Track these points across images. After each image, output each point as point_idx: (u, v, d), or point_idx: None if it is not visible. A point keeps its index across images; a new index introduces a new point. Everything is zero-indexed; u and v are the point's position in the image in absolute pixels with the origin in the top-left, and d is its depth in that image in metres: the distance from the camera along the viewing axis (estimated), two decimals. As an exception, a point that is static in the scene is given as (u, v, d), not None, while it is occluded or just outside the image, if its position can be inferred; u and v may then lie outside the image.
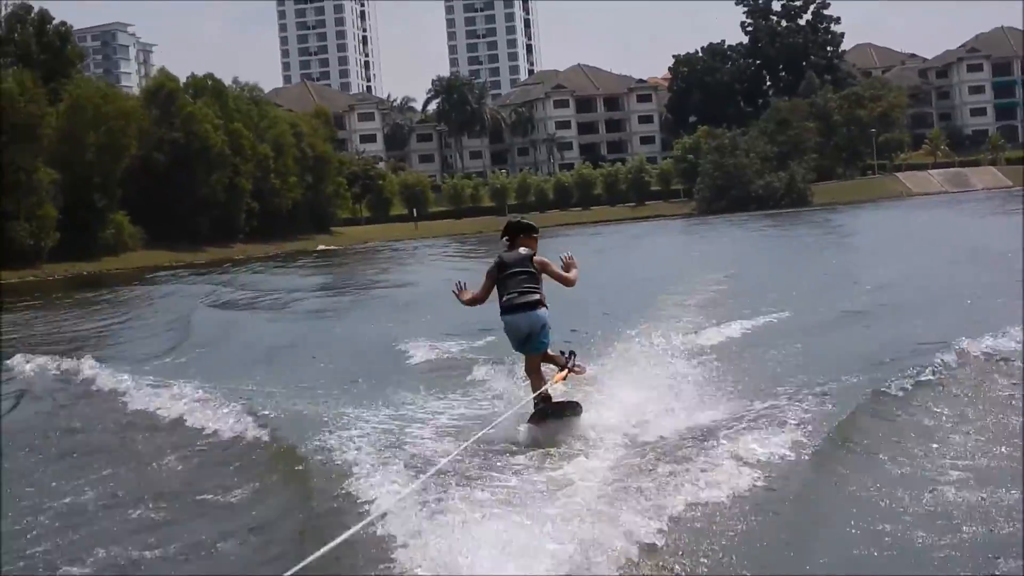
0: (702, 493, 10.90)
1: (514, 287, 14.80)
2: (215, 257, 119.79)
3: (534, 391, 14.88)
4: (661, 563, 9.26)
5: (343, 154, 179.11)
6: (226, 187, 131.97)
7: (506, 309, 14.80)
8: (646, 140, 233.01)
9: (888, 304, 28.47)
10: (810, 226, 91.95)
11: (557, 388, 15.13)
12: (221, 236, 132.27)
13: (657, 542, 9.55)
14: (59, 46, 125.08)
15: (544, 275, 15.01)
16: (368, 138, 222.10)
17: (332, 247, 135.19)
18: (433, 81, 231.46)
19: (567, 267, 15.24)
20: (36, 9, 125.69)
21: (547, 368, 15.39)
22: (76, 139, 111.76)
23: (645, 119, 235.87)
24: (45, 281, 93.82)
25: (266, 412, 16.91)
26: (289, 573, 7.41)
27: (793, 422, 13.80)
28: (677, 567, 9.22)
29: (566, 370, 14.99)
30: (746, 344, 22.44)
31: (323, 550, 7.84)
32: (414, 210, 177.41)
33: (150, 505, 12.61)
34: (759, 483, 11.34)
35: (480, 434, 12.46)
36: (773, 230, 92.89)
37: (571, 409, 14.67)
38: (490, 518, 10.02)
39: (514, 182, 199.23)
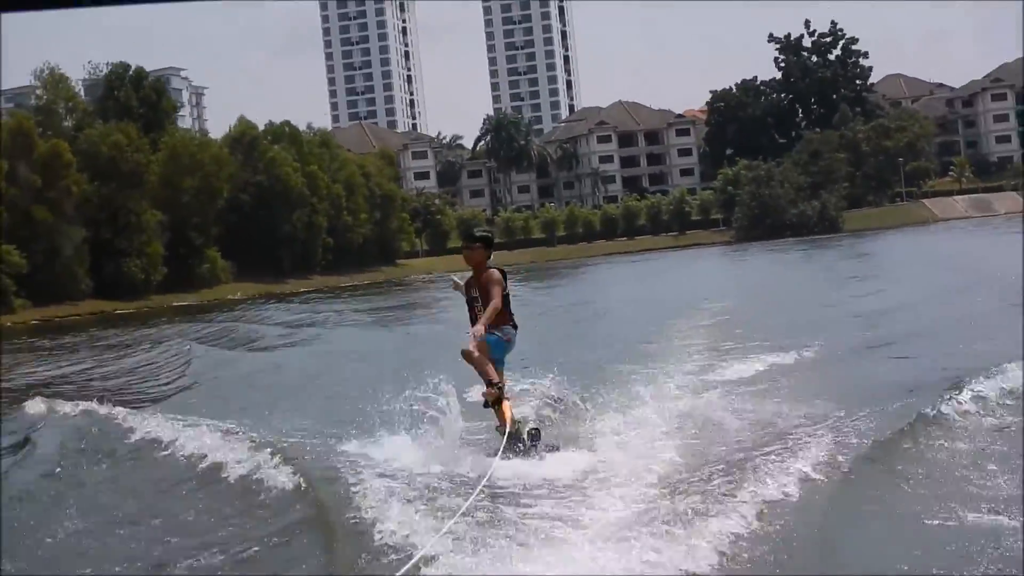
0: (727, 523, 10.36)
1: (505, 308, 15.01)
2: (296, 288, 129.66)
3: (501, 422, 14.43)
4: None
5: (405, 191, 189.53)
6: (305, 224, 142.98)
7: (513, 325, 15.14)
8: (685, 172, 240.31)
9: (902, 332, 28.50)
10: (838, 251, 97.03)
11: (521, 410, 15.33)
12: (301, 269, 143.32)
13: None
14: (155, 99, 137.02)
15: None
16: (422, 175, 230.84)
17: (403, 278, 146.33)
18: (484, 120, 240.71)
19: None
20: (133, 67, 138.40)
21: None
22: (175, 184, 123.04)
23: (684, 152, 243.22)
24: (155, 310, 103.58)
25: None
26: None
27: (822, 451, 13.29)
28: None
29: (504, 404, 14.41)
30: (772, 373, 21.67)
31: None
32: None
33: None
34: (785, 516, 10.83)
35: (491, 471, 12.62)
36: (802, 255, 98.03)
37: (531, 437, 14.31)
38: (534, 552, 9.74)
39: (562, 214, 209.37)
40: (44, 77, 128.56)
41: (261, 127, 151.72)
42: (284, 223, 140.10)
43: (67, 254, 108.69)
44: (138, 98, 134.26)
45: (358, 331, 50.83)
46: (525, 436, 14.21)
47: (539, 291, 74.95)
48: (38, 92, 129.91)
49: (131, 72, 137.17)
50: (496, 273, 14.86)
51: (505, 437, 13.86)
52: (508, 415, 14.26)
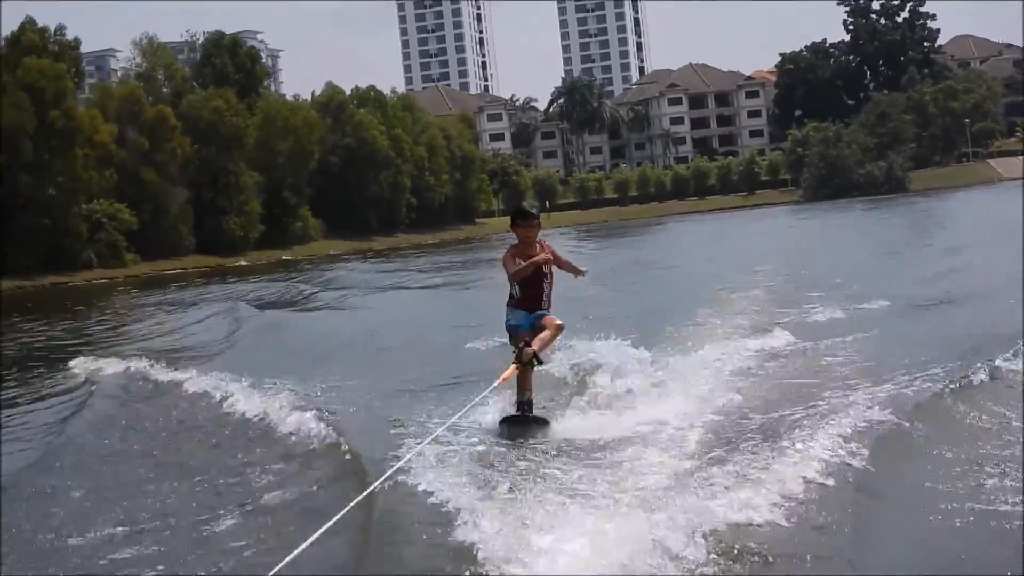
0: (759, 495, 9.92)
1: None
2: (383, 245, 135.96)
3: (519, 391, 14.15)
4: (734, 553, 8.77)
5: (482, 152, 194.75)
6: (390, 185, 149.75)
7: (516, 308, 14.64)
8: (755, 134, 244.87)
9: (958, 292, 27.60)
10: (904, 211, 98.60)
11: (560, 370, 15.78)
12: (386, 227, 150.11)
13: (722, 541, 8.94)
14: (250, 67, 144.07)
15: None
16: (497, 137, 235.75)
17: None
18: (561, 81, 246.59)
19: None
20: (228, 36, 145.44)
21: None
22: (270, 146, 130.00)
23: (754, 114, 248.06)
24: (255, 265, 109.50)
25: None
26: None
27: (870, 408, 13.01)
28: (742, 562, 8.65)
29: (512, 366, 13.79)
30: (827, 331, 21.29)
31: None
32: (546, 202, 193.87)
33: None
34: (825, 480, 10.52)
35: (467, 409, 13.13)
36: (871, 215, 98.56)
37: (540, 424, 13.88)
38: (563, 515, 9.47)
39: (635, 175, 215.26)
40: (143, 45, 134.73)
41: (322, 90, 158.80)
42: (370, 184, 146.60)
43: (173, 213, 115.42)
44: (234, 65, 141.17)
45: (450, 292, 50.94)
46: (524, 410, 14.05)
47: (610, 248, 79.96)
48: (137, 61, 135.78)
49: (226, 40, 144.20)
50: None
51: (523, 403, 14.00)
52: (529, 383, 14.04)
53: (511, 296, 14.33)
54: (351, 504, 9.04)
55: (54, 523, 12.00)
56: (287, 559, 7.65)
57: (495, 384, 13.54)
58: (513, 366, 13.73)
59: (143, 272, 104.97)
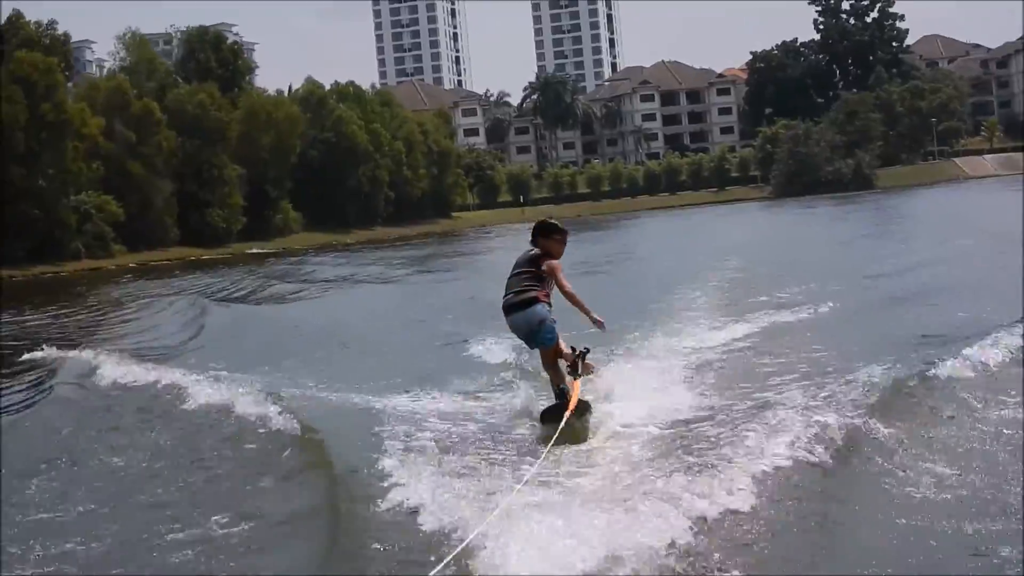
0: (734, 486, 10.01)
1: (513, 287, 14.60)
2: (360, 238, 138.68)
3: (553, 386, 14.43)
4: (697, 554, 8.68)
5: (459, 147, 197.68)
6: (368, 179, 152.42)
7: (504, 310, 14.66)
8: (725, 130, 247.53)
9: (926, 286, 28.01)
10: (867, 208, 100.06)
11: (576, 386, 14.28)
12: (365, 220, 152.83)
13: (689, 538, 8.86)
14: (233, 61, 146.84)
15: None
16: (471, 132, 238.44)
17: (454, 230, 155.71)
18: (535, 77, 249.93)
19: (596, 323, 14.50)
20: (211, 31, 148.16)
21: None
22: (253, 140, 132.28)
23: (725, 111, 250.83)
24: (236, 255, 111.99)
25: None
26: None
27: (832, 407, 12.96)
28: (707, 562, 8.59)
29: (578, 376, 14.22)
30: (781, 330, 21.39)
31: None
32: (521, 197, 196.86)
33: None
34: (791, 477, 10.50)
35: (550, 445, 12.19)
36: (833, 212, 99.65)
37: (583, 409, 13.78)
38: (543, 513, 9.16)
39: (607, 171, 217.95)
40: (127, 40, 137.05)
41: (301, 83, 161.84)
42: (349, 177, 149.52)
43: (158, 205, 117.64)
44: (217, 59, 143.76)
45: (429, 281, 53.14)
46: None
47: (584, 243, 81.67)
48: (121, 55, 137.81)
49: (209, 35, 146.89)
50: (556, 263, 14.68)
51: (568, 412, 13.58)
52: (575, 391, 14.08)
53: (549, 304, 14.50)
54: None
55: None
56: None
57: (567, 413, 13.32)
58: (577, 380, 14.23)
59: (129, 263, 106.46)
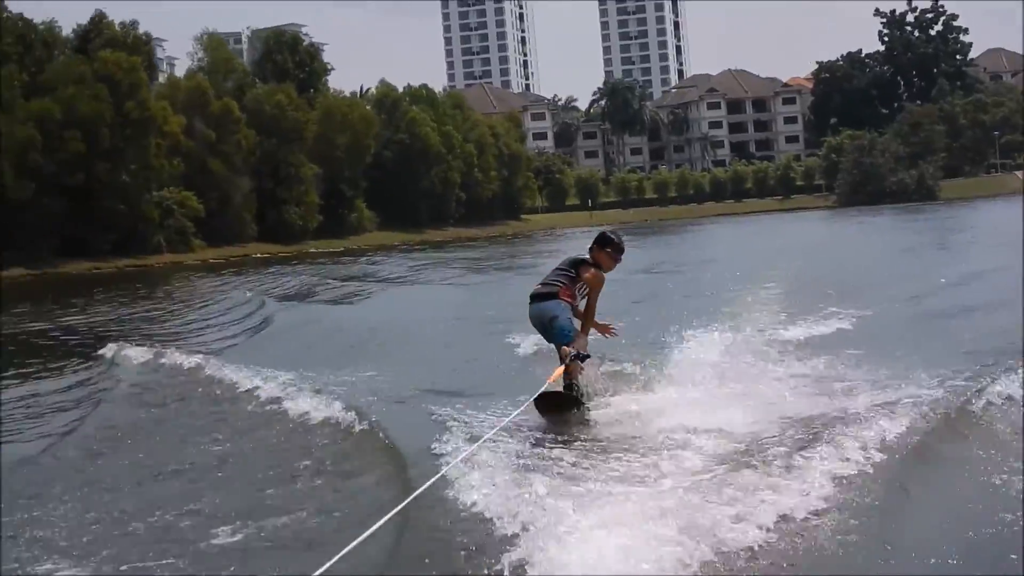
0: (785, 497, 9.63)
1: (545, 279, 14.65)
2: (431, 238, 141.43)
3: (564, 379, 13.97)
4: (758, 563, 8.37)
5: (529, 151, 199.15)
6: (441, 180, 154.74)
7: (529, 299, 14.60)
8: (791, 139, 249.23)
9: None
10: (931, 218, 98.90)
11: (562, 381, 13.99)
12: (437, 220, 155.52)
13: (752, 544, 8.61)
14: (309, 62, 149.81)
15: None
16: (540, 135, 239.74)
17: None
18: (603, 83, 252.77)
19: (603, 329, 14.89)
20: (287, 32, 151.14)
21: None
22: (329, 140, 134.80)
23: (790, 120, 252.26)
24: (312, 252, 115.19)
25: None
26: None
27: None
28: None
29: (561, 367, 13.83)
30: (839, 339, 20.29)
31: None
32: (589, 200, 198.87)
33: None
34: (852, 486, 10.09)
35: (514, 415, 12.47)
36: (898, 221, 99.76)
37: (572, 403, 13.90)
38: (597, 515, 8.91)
39: (674, 177, 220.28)
40: (204, 40, 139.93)
41: (374, 86, 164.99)
42: (422, 179, 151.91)
43: (237, 201, 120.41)
44: (293, 61, 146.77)
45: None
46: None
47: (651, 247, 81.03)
48: (199, 55, 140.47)
49: (286, 37, 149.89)
50: (598, 276, 14.70)
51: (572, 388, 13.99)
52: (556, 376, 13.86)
53: (571, 305, 14.47)
54: (403, 504, 8.85)
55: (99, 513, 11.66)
56: (334, 559, 7.31)
57: (548, 381, 13.57)
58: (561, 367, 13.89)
59: (208, 257, 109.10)
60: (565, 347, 13.94)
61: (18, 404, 19.74)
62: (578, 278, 14.45)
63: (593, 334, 14.91)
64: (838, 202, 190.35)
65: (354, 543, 7.54)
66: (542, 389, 13.44)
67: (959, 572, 8.37)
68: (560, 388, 13.95)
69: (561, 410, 13.80)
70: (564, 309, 14.25)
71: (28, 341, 33.57)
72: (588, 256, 14.55)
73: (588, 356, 14.07)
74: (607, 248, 14.48)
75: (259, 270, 76.68)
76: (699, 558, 8.19)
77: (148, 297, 54.25)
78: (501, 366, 19.49)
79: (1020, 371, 14.54)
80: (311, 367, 19.49)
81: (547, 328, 14.27)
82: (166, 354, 22.98)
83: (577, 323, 14.45)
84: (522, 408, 12.87)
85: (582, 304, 14.70)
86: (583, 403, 13.98)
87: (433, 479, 9.46)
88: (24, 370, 25.06)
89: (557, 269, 14.66)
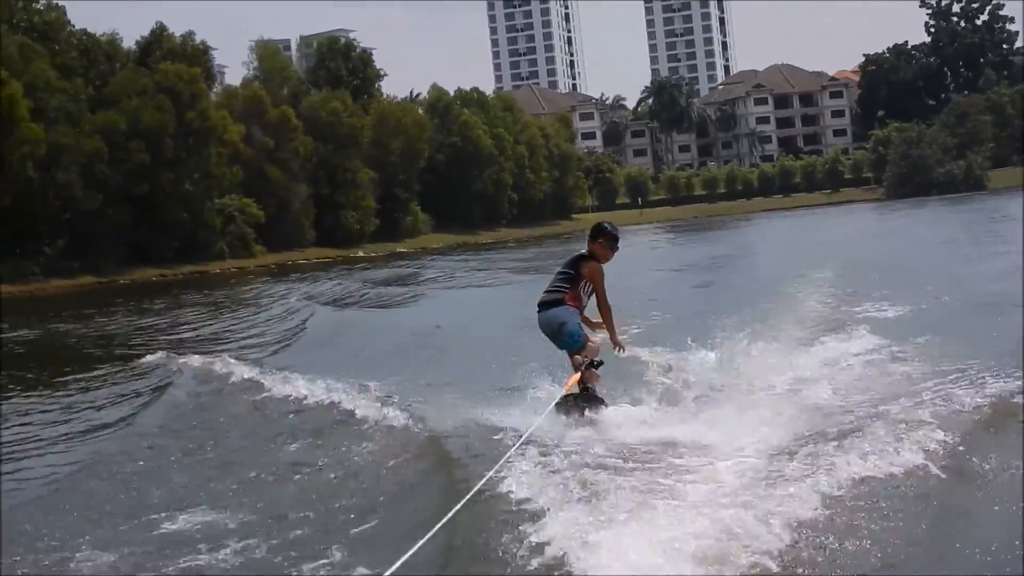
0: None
1: (549, 285, 14.65)
2: (484, 239, 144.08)
3: (579, 384, 14.02)
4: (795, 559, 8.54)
5: (579, 151, 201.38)
6: (493, 181, 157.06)
7: (537, 307, 14.64)
8: (838, 133, 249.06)
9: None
10: (980, 210, 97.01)
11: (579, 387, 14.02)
12: (489, 221, 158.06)
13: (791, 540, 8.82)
14: (363, 68, 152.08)
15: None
16: (588, 135, 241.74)
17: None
18: (650, 81, 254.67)
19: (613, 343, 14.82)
20: (341, 40, 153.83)
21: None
22: (383, 145, 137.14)
23: (837, 113, 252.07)
24: (370, 255, 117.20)
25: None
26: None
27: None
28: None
29: (577, 374, 13.91)
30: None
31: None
32: (639, 199, 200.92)
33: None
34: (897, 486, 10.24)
35: (535, 425, 12.36)
36: (946, 213, 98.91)
37: (595, 404, 13.94)
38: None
39: (723, 173, 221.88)
40: (258, 49, 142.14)
41: (426, 87, 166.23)
42: (475, 181, 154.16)
43: (295, 207, 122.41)
44: (347, 68, 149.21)
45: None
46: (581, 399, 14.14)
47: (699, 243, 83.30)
48: (254, 64, 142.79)
49: (340, 44, 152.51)
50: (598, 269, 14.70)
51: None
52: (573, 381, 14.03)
53: (578, 308, 14.56)
54: (456, 507, 9.03)
55: (152, 501, 12.73)
56: (401, 559, 7.54)
57: (565, 389, 13.85)
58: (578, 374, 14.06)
59: (269, 263, 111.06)
60: (577, 356, 14.21)
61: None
62: (578, 275, 14.50)
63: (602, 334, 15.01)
64: (886, 195, 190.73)
65: (413, 549, 7.88)
66: (559, 397, 13.74)
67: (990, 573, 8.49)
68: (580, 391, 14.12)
69: (584, 412, 13.87)
70: (572, 314, 14.35)
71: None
72: (585, 251, 14.65)
73: (602, 363, 14.36)
74: (600, 239, 14.50)
75: (320, 273, 78.35)
76: (732, 560, 8.39)
77: (229, 307, 52.82)
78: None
79: (1020, 371, 14.63)
80: (367, 373, 19.91)
81: (556, 335, 14.36)
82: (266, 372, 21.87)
83: (586, 328, 14.55)
84: (543, 416, 12.95)
85: (589, 303, 14.82)
86: (605, 403, 14.11)
87: (470, 494, 9.58)
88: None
89: (558, 272, 14.72)
